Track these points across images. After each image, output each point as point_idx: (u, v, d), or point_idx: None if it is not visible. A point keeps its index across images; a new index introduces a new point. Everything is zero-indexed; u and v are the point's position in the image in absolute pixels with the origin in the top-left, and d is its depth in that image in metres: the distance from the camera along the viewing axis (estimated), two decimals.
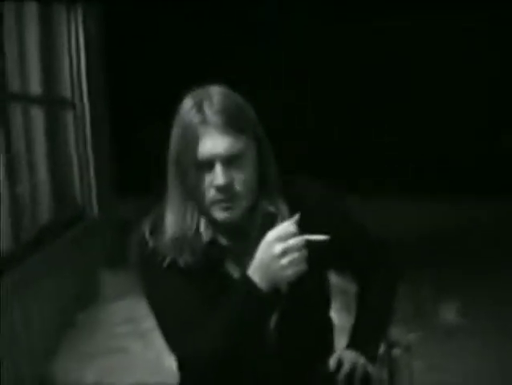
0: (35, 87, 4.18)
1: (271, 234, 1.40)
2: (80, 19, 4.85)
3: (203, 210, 1.51)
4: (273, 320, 1.55)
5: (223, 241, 1.56)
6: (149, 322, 2.22)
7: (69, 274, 4.37)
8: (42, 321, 3.74)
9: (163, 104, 2.35)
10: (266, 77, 6.90)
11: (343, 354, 1.62)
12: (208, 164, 1.46)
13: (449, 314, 4.40)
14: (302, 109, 7.30)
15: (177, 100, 1.51)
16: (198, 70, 1.65)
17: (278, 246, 1.38)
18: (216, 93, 1.49)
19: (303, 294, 1.54)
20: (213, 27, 6.73)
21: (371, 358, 1.63)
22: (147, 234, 1.56)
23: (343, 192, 1.77)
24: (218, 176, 1.45)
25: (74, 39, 4.84)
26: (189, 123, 1.46)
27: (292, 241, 1.38)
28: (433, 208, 6.54)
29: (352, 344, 1.66)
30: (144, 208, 1.67)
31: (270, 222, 1.51)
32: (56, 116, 4.64)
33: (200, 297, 1.51)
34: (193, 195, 1.49)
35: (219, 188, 1.46)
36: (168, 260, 1.52)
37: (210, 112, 1.45)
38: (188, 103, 1.48)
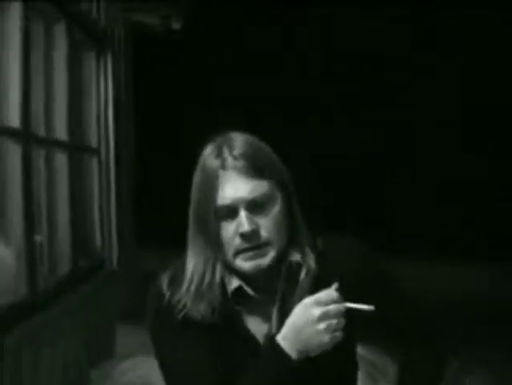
0: (61, 132, 4.10)
1: (311, 298, 1.32)
2: (110, 67, 4.81)
3: (227, 260, 1.41)
4: None
5: (249, 290, 1.44)
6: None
7: (85, 327, 4.23)
8: (54, 375, 3.58)
9: (190, 153, 2.25)
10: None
11: None
12: (230, 211, 1.38)
13: None
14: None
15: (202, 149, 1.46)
16: (226, 120, 1.58)
17: (317, 310, 1.30)
18: (236, 138, 1.43)
19: (332, 364, 1.41)
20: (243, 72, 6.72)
21: None
22: (164, 287, 1.46)
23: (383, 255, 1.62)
24: (243, 222, 1.37)
25: (103, 85, 4.80)
26: (209, 168, 1.40)
27: (332, 307, 1.30)
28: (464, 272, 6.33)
29: None
30: (166, 260, 1.58)
31: (296, 271, 1.43)
32: (80, 163, 4.56)
33: (216, 356, 1.40)
34: (215, 245, 1.41)
35: (244, 236, 1.37)
36: (183, 312, 1.41)
37: (230, 157, 1.39)
38: (208, 150, 1.43)
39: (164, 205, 6.34)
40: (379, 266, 1.55)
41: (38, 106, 3.69)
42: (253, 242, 1.38)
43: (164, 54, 6.33)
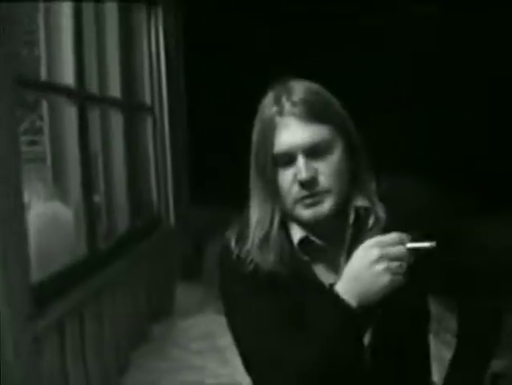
0: (114, 89, 4.06)
1: (371, 239, 1.28)
2: (161, 21, 4.73)
3: (288, 209, 1.38)
4: (367, 339, 1.38)
5: (315, 240, 1.41)
6: (226, 340, 2.09)
7: (145, 285, 4.25)
8: (115, 331, 3.61)
9: (244, 109, 2.18)
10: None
11: None
12: (288, 158, 1.35)
13: None
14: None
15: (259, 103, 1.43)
16: (281, 74, 1.50)
17: (377, 250, 1.25)
18: (295, 85, 1.39)
19: (399, 315, 1.39)
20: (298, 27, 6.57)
21: None
22: (232, 244, 1.44)
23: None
24: (301, 169, 1.33)
25: (154, 41, 4.73)
26: (266, 115, 1.37)
27: (392, 248, 1.26)
28: None
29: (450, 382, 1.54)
30: (222, 219, 1.54)
31: (364, 218, 1.40)
32: (135, 121, 4.53)
33: (286, 311, 1.38)
34: (275, 194, 1.38)
35: (303, 183, 1.34)
36: (251, 266, 1.40)
37: (288, 102, 1.36)
38: (267, 99, 1.40)
39: (218, 164, 6.27)
40: (447, 209, 1.51)
41: (91, 63, 3.64)
42: (312, 190, 1.34)
43: (215, 9, 6.22)
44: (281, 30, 6.54)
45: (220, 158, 6.33)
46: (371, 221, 1.40)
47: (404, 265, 1.26)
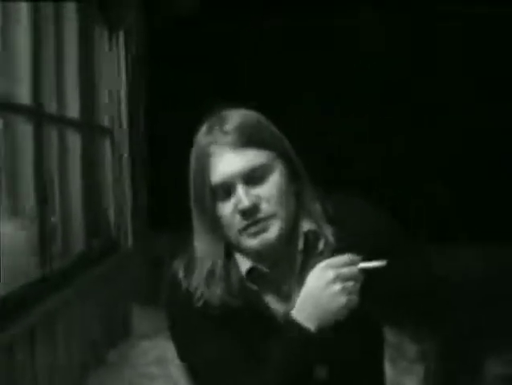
0: (73, 110, 4.02)
1: (324, 261, 1.28)
2: (122, 44, 4.72)
3: (234, 240, 1.35)
4: (322, 368, 1.36)
5: (263, 269, 1.38)
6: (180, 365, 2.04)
7: (100, 309, 4.17)
8: (70, 356, 3.54)
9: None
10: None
11: None
12: (227, 188, 1.33)
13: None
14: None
15: None
16: (243, 98, 1.50)
17: (331, 271, 1.26)
18: (230, 114, 1.38)
19: (350, 339, 1.38)
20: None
21: None
22: (180, 274, 1.40)
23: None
24: (241, 198, 1.31)
25: (115, 64, 4.71)
26: (201, 147, 1.35)
27: (346, 269, 1.26)
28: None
29: None
30: (180, 243, 1.52)
31: (313, 243, 1.38)
32: (93, 142, 4.48)
33: (240, 342, 1.36)
34: (217, 225, 1.35)
35: (244, 212, 1.31)
36: (201, 300, 1.36)
37: (221, 132, 1.34)
38: (201, 130, 1.39)
39: (177, 188, 6.24)
40: (395, 226, 1.49)
41: (49, 82, 3.60)
42: (255, 217, 1.31)
43: (179, 31, 6.22)
44: (248, 58, 6.58)
45: (180, 181, 6.30)
46: (321, 245, 1.38)
47: (358, 285, 1.26)
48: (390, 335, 1.62)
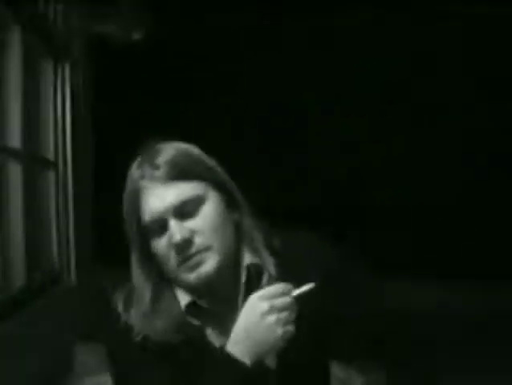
0: (14, 140, 3.95)
1: (257, 293, 1.26)
2: (68, 76, 4.68)
3: (172, 275, 1.34)
4: None
5: (203, 304, 1.36)
6: None
7: (41, 343, 4.06)
8: None
9: None
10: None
11: None
12: (160, 224, 1.31)
13: None
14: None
15: None
16: (189, 132, 1.50)
17: (265, 303, 1.23)
18: (161, 148, 1.38)
19: (294, 372, 1.37)
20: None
21: None
22: (119, 308, 1.39)
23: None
24: (173, 232, 1.29)
25: (60, 95, 4.67)
26: (131, 181, 1.35)
27: (280, 299, 1.24)
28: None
29: None
30: (123, 277, 1.51)
31: (256, 276, 1.36)
32: (36, 174, 4.41)
33: (179, 375, 1.33)
34: (153, 262, 1.34)
35: (178, 246, 1.29)
36: (140, 336, 1.34)
37: (150, 167, 1.33)
38: (134, 163, 1.38)
39: (122, 219, 6.17)
40: (343, 262, 1.49)
41: None
42: (189, 251, 1.29)
43: (125, 64, 6.21)
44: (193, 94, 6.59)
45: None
46: (264, 279, 1.37)
47: (293, 315, 1.25)
48: (337, 370, 1.62)
